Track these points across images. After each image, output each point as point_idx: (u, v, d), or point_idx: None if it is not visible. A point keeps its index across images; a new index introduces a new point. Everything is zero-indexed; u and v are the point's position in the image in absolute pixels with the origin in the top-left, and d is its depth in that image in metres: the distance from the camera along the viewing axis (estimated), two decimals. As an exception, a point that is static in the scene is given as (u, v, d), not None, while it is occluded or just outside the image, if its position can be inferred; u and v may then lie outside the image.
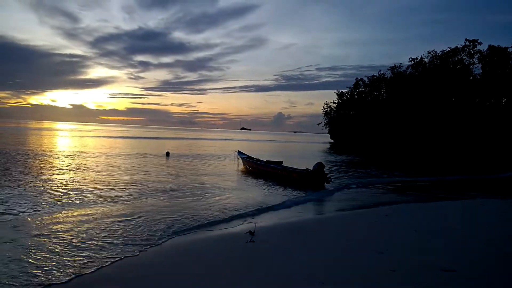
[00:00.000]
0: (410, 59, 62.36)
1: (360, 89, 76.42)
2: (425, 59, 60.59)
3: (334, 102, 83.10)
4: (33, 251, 5.55)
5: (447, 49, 56.60)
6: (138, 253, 5.68)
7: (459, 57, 55.83)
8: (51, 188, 10.85)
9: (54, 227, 6.91)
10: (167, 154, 24.87)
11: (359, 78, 76.90)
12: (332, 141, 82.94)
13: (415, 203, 11.58)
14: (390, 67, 67.74)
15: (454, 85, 53.66)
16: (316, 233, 7.45)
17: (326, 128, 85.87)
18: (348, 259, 5.67)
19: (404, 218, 9.05)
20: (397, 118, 59.29)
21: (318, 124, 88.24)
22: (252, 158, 20.00)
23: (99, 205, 9.05)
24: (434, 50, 59.09)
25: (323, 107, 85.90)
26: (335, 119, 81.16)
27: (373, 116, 65.66)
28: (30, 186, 10.94)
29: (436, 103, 54.50)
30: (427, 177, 20.20)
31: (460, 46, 55.36)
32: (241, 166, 20.15)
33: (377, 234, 7.29)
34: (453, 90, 54.23)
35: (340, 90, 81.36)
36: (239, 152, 21.68)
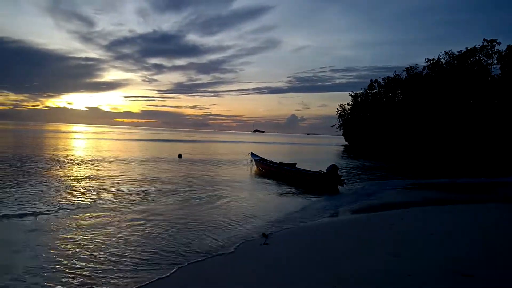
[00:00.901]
0: (426, 60, 61.54)
1: (375, 91, 75.59)
2: (442, 60, 59.63)
3: (348, 104, 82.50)
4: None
5: (465, 50, 55.59)
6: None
7: (477, 58, 54.71)
8: (69, 191, 11.04)
9: (69, 234, 7.02)
10: (180, 156, 25.17)
11: (374, 80, 76.21)
12: (347, 143, 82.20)
13: (431, 206, 11.36)
14: (405, 68, 67.00)
15: (472, 86, 52.61)
16: (331, 236, 7.40)
17: (340, 130, 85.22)
18: (363, 263, 5.60)
19: (419, 221, 8.89)
20: (413, 120, 58.41)
21: (332, 126, 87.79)
22: (265, 160, 20.00)
23: (110, 211, 9.08)
24: (451, 50, 58.13)
25: (337, 109, 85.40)
26: (349, 121, 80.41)
27: (388, 118, 64.85)
28: (59, 187, 11.19)
29: (453, 105, 53.52)
30: (443, 179, 19.77)
31: (478, 46, 54.30)
32: (254, 168, 20.12)
33: (393, 238, 7.18)
34: (471, 91, 53.17)
35: (355, 92, 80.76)
36: (252, 154, 21.69)
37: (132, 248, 6.05)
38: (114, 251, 5.83)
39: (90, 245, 6.06)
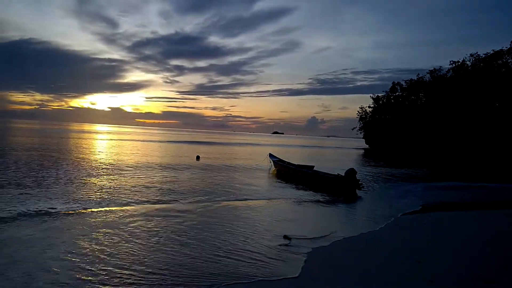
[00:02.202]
0: (451, 62, 59.96)
1: (397, 93, 74.21)
2: (467, 62, 57.98)
3: (369, 107, 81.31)
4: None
5: (491, 52, 53.94)
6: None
7: (504, 60, 52.96)
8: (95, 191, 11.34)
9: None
10: (197, 158, 25.29)
11: (396, 82, 74.74)
12: (367, 146, 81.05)
13: (451, 211, 11.12)
14: (429, 70, 65.44)
15: (498, 89, 50.96)
16: (351, 240, 7.31)
17: (361, 133, 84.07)
18: (384, 268, 5.66)
19: (441, 226, 8.75)
20: (437, 123, 57.04)
21: (352, 129, 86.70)
22: (284, 161, 20.04)
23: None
24: (477, 52, 56.47)
25: (358, 111, 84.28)
26: (371, 124, 79.23)
27: (410, 121, 63.53)
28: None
29: (479, 108, 51.97)
30: (466, 183, 19.19)
31: (506, 48, 52.58)
32: (272, 169, 20.12)
33: (414, 243, 7.15)
34: (497, 94, 51.51)
35: (376, 94, 79.51)
36: (270, 155, 21.76)
37: (163, 261, 5.48)
38: (143, 262, 5.33)
39: (118, 252, 5.72)
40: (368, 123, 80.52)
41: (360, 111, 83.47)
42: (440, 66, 63.75)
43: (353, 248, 6.70)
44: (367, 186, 15.24)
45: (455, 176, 23.98)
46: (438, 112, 57.69)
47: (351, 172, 13.89)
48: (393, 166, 29.08)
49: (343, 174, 14.13)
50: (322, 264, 5.67)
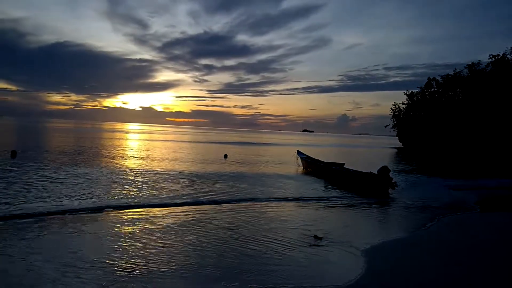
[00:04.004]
0: (490, 56, 56.89)
1: (432, 89, 71.29)
2: (508, 56, 54.84)
3: (403, 103, 78.68)
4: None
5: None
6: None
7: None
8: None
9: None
10: (225, 156, 25.28)
11: (432, 78, 71.84)
12: (401, 144, 78.50)
13: (492, 212, 10.43)
14: (467, 65, 62.36)
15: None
16: (389, 243, 7.02)
17: (394, 130, 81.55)
18: (422, 270, 5.38)
19: (482, 227, 8.18)
20: (476, 120, 54.35)
21: (385, 127, 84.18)
22: (312, 159, 19.64)
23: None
24: (519, 45, 53.32)
25: (391, 108, 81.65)
26: (404, 121, 76.62)
27: (447, 119, 60.89)
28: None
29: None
30: (505, 180, 18.00)
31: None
32: (301, 167, 19.78)
33: (453, 244, 6.85)
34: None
35: (410, 91, 76.81)
36: (298, 152, 21.51)
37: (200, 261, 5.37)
38: (177, 265, 5.16)
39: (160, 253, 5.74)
40: (402, 120, 77.92)
41: (393, 108, 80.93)
42: (479, 61, 60.66)
43: (390, 252, 6.43)
44: (400, 186, 14.47)
45: (501, 174, 22.59)
46: (477, 108, 54.98)
47: (384, 170, 13.27)
48: (429, 167, 27.90)
49: (376, 172, 13.56)
50: (363, 270, 5.40)
